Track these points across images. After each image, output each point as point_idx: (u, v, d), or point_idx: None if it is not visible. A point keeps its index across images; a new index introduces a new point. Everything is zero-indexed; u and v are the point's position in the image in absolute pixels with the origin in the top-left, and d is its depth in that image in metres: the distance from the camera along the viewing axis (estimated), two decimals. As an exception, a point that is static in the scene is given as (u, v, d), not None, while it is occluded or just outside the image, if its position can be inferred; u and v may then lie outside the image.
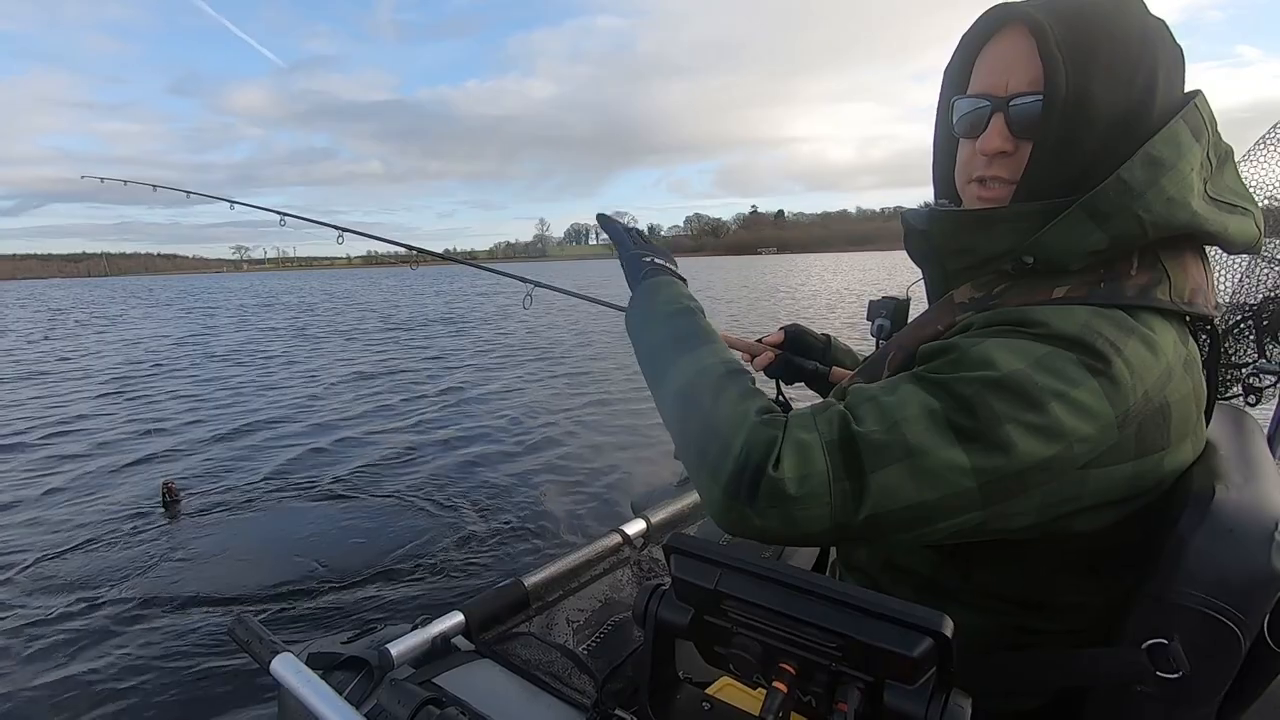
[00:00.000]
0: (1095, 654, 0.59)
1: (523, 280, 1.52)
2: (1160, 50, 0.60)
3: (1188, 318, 0.62)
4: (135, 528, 3.36)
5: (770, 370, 1.09)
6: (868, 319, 0.97)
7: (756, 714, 0.47)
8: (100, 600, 2.63)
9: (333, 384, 7.09)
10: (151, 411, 6.09)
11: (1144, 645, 0.55)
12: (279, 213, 1.95)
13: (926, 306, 0.74)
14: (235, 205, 2.07)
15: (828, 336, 1.09)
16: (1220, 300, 1.24)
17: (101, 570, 2.91)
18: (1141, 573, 0.59)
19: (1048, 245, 0.60)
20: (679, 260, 0.90)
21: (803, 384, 1.09)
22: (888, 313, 0.95)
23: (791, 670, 0.48)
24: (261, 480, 4.09)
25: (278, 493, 3.84)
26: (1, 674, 2.17)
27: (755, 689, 0.52)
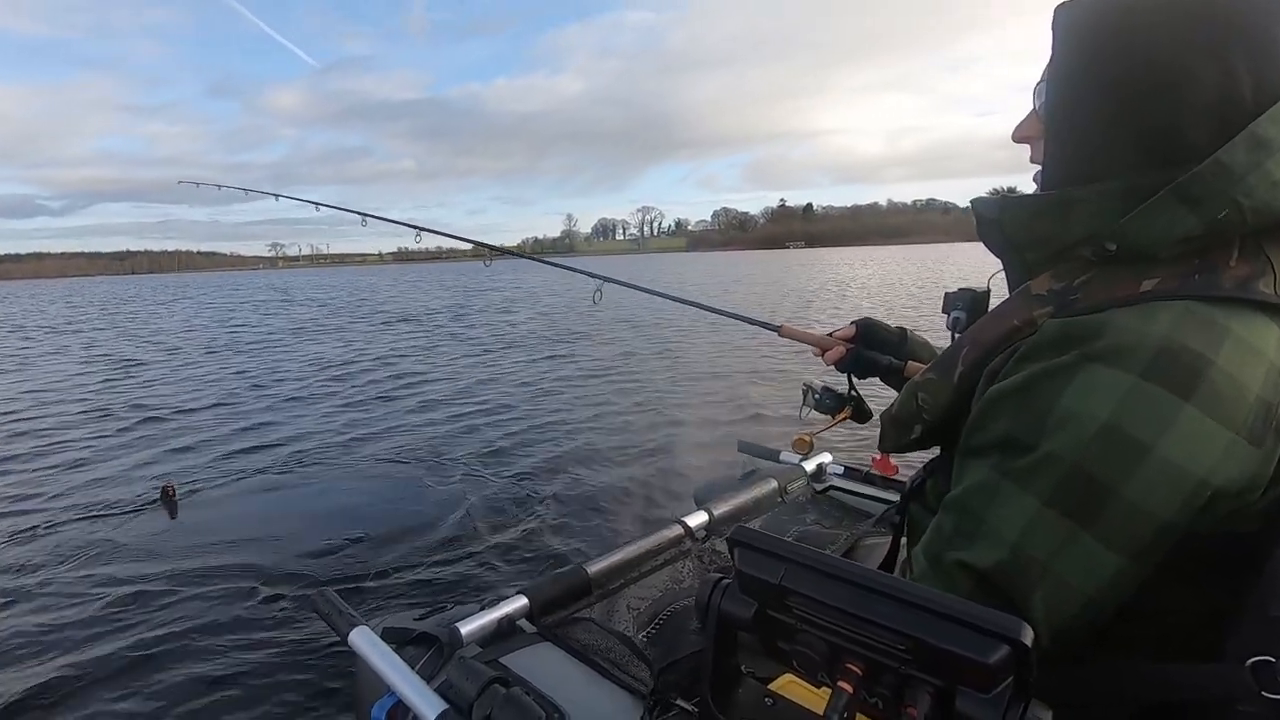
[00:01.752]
0: (1191, 669, 0.55)
1: (592, 275, 1.55)
2: (1205, 28, 0.55)
3: None
4: (186, 504, 3.61)
5: (841, 365, 1.06)
6: (944, 311, 0.94)
7: (820, 713, 0.46)
8: (171, 571, 2.82)
9: (397, 366, 7.38)
10: (224, 388, 6.50)
11: (1248, 663, 0.51)
12: (360, 213, 2.06)
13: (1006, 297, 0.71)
14: (320, 208, 2.18)
15: (903, 330, 1.05)
16: None
17: (162, 542, 3.13)
18: (1240, 584, 0.55)
19: (1133, 232, 0.56)
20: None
21: (876, 379, 1.06)
22: (964, 305, 0.91)
23: (858, 670, 0.47)
24: (331, 456, 4.30)
25: (347, 470, 4.04)
26: (93, 651, 2.36)
27: (819, 687, 0.51)
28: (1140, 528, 0.52)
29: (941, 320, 0.94)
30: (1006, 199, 0.67)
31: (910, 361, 1.02)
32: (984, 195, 0.70)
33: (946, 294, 0.93)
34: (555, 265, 1.89)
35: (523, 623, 1.07)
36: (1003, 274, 0.72)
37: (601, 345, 8.22)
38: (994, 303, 0.78)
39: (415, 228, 1.94)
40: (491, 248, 1.92)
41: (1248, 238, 0.56)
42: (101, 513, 3.56)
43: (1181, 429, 0.51)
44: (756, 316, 1.35)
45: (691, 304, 1.49)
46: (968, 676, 0.42)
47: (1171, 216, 0.55)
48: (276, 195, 2.36)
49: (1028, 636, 0.41)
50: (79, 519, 3.46)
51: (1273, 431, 0.53)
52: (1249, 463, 0.52)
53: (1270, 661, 0.49)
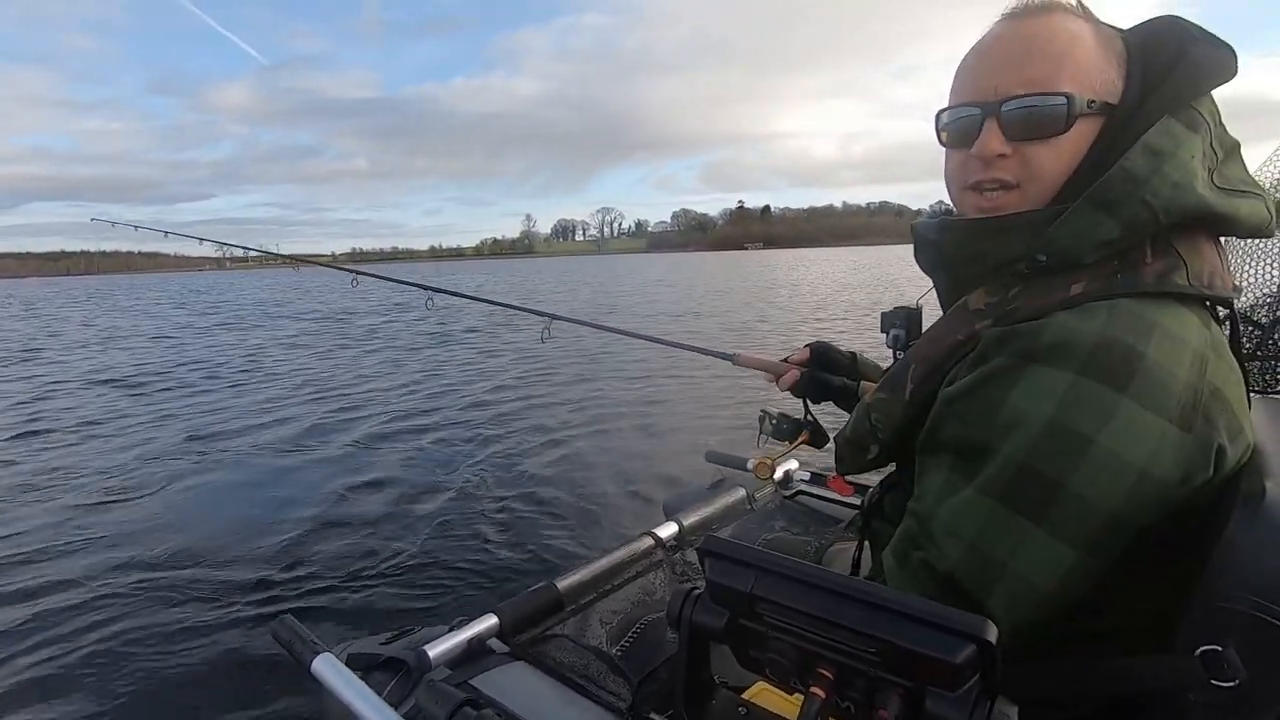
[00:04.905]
0: (1144, 661, 0.57)
1: (540, 314, 1.55)
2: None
3: (1208, 302, 0.62)
4: (146, 521, 3.45)
5: (797, 389, 1.09)
6: (882, 330, 0.98)
7: None
8: (107, 596, 2.69)
9: (362, 385, 7.24)
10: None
11: (1196, 652, 0.53)
12: (353, 270, 2.05)
13: (939, 313, 0.74)
14: (357, 276, 2.13)
15: (853, 353, 1.09)
16: (1270, 290, 1.21)
17: (95, 563, 2.98)
18: (1189, 575, 0.57)
19: (1058, 241, 0.60)
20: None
21: (830, 402, 1.08)
22: (901, 322, 0.95)
23: (829, 676, 0.47)
24: (285, 473, 4.17)
25: (303, 487, 3.91)
26: (33, 668, 2.24)
27: (792, 694, 0.51)
28: (1089, 520, 0.54)
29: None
30: (944, 221, 0.71)
31: (863, 382, 1.05)
32: (924, 219, 0.74)
33: (883, 314, 0.98)
34: (507, 307, 1.83)
35: (493, 642, 1.05)
36: (933, 293, 0.75)
37: (560, 361, 8.19)
38: (927, 319, 0.81)
39: (422, 287, 1.90)
40: (478, 299, 1.85)
41: (1157, 236, 0.60)
42: (30, 524, 3.38)
43: (1120, 420, 0.54)
44: (711, 347, 1.35)
45: (645, 338, 1.49)
46: (936, 676, 0.43)
47: (1091, 222, 0.59)
48: (320, 263, 2.35)
49: (992, 634, 0.42)
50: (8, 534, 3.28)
51: (1200, 416, 0.56)
52: (1182, 448, 0.55)
53: (1218, 650, 0.51)
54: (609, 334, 1.53)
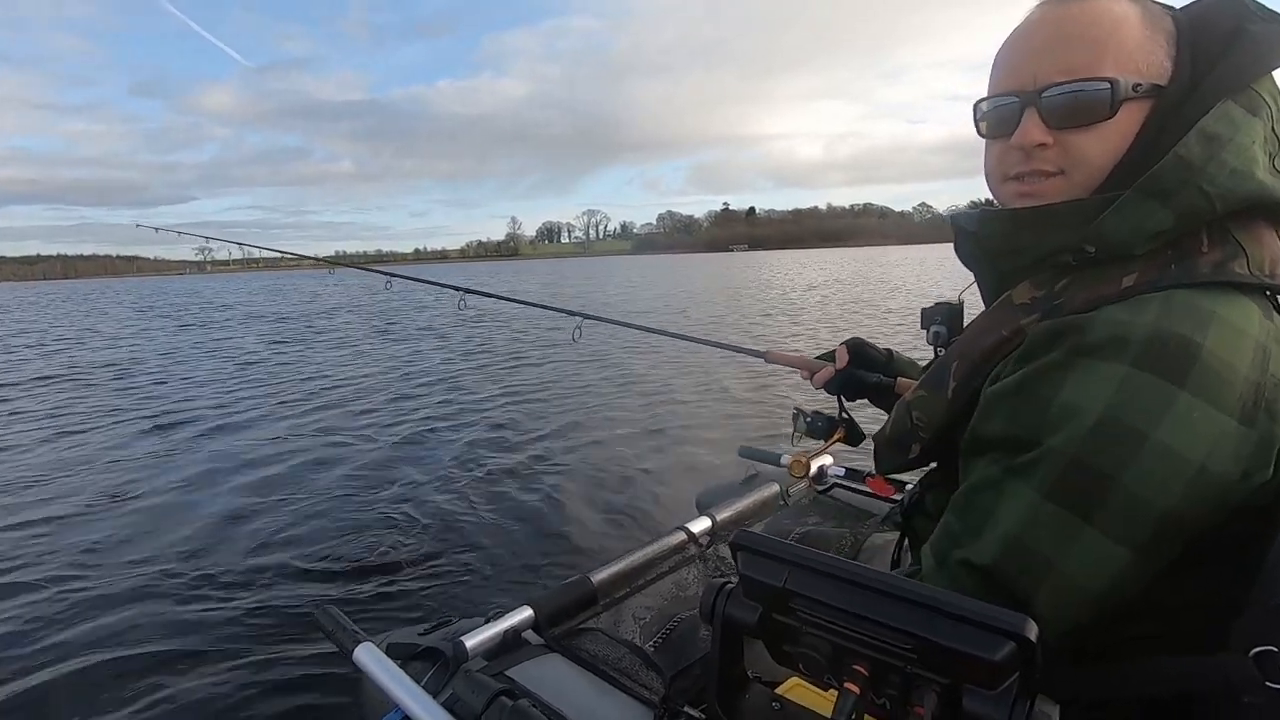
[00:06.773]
0: (1195, 661, 0.55)
1: (571, 314, 1.57)
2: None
3: (1268, 292, 0.59)
4: (191, 511, 3.57)
5: (831, 386, 1.07)
6: (922, 326, 0.96)
7: (828, 715, 0.46)
8: (155, 585, 2.78)
9: (406, 381, 7.38)
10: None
11: (1250, 653, 0.51)
12: (386, 274, 2.10)
13: (981, 308, 0.71)
14: (392, 280, 2.17)
15: (889, 350, 1.07)
16: None
17: (141, 554, 3.08)
18: (1243, 574, 0.55)
19: (1108, 232, 0.58)
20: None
21: (866, 400, 1.07)
22: (942, 318, 0.93)
23: (864, 672, 0.47)
24: (324, 467, 4.26)
25: (342, 481, 4.00)
26: (71, 653, 2.32)
27: (826, 689, 0.51)
28: (1142, 517, 0.52)
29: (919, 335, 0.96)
30: (985, 212, 0.69)
31: (899, 378, 1.03)
32: (964, 210, 0.72)
33: (923, 309, 0.95)
34: (530, 305, 1.87)
35: (529, 634, 1.06)
36: (975, 288, 0.73)
37: (587, 357, 8.23)
38: (969, 315, 0.79)
39: (455, 288, 1.94)
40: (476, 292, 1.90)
41: (1214, 224, 0.57)
42: (69, 518, 3.51)
43: (1177, 415, 0.51)
44: (742, 344, 1.36)
45: (676, 336, 1.50)
46: (974, 674, 0.42)
47: (1144, 212, 0.57)
48: (386, 275, 2.36)
49: (1032, 632, 0.41)
50: (41, 526, 3.41)
51: (1263, 410, 0.53)
52: (1244, 444, 0.52)
53: (1273, 651, 0.49)
54: (633, 332, 1.54)
